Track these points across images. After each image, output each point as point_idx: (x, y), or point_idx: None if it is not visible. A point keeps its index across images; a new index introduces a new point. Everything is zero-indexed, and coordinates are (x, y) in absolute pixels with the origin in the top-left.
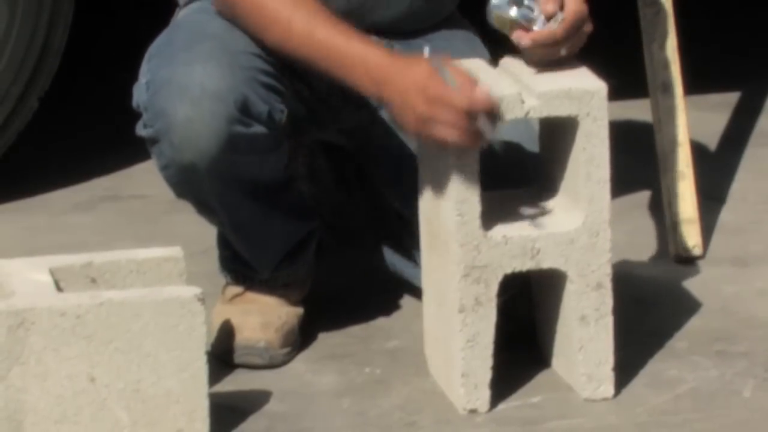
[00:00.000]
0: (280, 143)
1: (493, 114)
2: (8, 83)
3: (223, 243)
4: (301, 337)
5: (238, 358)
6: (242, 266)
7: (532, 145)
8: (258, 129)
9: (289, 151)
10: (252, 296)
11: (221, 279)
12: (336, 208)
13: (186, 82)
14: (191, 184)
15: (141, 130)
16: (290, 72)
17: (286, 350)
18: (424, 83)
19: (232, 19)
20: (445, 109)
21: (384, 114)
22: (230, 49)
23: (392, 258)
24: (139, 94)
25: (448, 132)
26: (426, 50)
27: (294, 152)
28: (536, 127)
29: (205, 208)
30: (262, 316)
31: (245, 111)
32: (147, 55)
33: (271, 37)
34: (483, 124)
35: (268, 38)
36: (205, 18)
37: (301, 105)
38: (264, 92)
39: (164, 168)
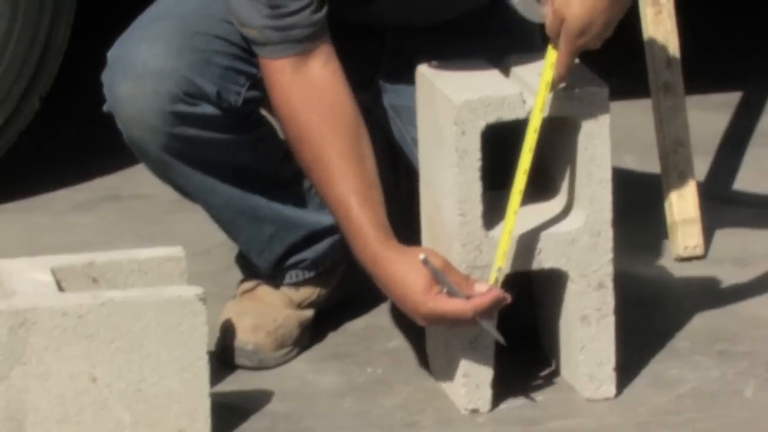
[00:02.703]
0: (249, 127)
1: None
2: (10, 83)
3: None
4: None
5: (234, 358)
6: (250, 261)
7: None
8: (207, 108)
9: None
10: (260, 294)
11: (224, 278)
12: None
13: (130, 60)
14: (150, 161)
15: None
16: None
17: (281, 353)
18: (423, 297)
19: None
20: (452, 321)
21: (386, 98)
22: (188, 30)
23: None
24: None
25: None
26: (421, 257)
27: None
28: None
29: (181, 192)
30: (256, 318)
31: (189, 91)
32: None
33: (303, 157)
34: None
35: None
36: None
37: None
38: (218, 73)
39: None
